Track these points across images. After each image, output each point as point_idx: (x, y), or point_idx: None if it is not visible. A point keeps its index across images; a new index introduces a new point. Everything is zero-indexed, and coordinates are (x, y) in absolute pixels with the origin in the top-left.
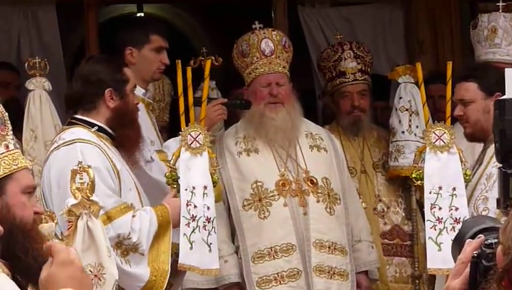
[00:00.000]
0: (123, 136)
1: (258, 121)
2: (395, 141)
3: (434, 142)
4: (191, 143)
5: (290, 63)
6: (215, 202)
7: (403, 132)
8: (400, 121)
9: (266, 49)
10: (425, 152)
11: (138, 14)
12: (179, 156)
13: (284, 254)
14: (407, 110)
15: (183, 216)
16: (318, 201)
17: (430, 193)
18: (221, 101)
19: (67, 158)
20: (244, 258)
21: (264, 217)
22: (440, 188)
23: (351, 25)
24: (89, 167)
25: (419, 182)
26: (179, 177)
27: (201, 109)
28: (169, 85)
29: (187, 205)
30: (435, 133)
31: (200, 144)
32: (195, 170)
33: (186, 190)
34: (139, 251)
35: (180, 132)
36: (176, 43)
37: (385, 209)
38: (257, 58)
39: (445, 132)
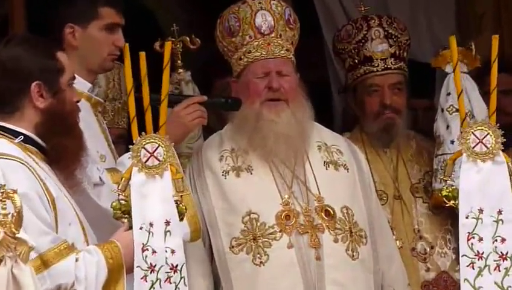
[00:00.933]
0: (58, 149)
1: (252, 127)
2: (442, 154)
3: (473, 148)
4: (147, 160)
5: (295, 45)
6: (191, 241)
7: (453, 142)
8: (447, 127)
9: (263, 26)
10: (461, 161)
11: None
12: (129, 178)
13: None
14: (457, 111)
15: (138, 266)
16: (336, 240)
17: (466, 217)
18: (198, 100)
19: None
20: None
21: (261, 262)
22: (481, 211)
23: None
24: (14, 191)
25: (452, 202)
26: (131, 209)
27: (160, 111)
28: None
29: (143, 251)
30: (475, 135)
31: (159, 160)
32: (152, 199)
33: (141, 228)
34: None
35: (130, 146)
36: (137, 19)
37: (428, 249)
38: (250, 37)
39: (488, 134)
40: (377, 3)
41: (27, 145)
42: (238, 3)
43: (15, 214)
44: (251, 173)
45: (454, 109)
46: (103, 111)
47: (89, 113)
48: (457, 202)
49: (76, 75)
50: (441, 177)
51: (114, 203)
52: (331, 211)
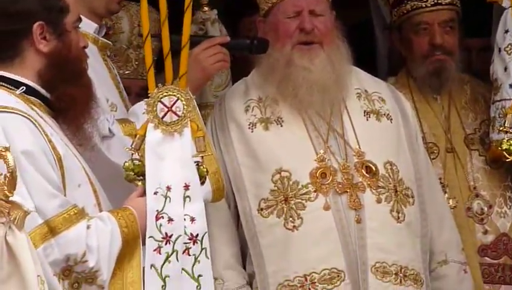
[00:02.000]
0: (65, 99)
1: (281, 73)
2: (500, 101)
3: None
4: (164, 115)
5: None
6: (213, 202)
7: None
8: (505, 69)
9: None
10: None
11: None
12: (144, 135)
13: (326, 286)
14: None
15: (151, 237)
16: (379, 201)
17: None
18: (220, 41)
19: None
20: None
21: (294, 227)
22: None
23: None
24: (7, 149)
25: None
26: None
27: (181, 58)
28: (156, 22)
29: (157, 219)
30: None
31: (178, 116)
32: (170, 160)
33: (155, 193)
34: (96, 283)
35: (145, 99)
36: None
37: (485, 209)
38: None
39: None
40: None
41: (29, 96)
42: None
43: (8, 174)
44: (281, 126)
45: None
46: (126, 60)
47: (96, 57)
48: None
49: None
50: (500, 128)
51: (127, 164)
52: (373, 168)
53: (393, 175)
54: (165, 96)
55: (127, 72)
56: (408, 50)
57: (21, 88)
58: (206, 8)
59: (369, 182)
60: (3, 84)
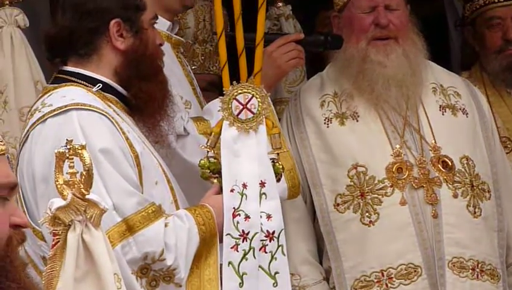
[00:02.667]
0: (142, 96)
1: (357, 69)
2: None
3: None
4: (239, 113)
5: None
6: (289, 199)
7: None
8: None
9: None
10: None
11: None
12: (219, 133)
13: (403, 281)
14: None
15: (228, 234)
16: (456, 195)
17: None
18: (294, 38)
19: (59, 135)
20: (339, 288)
21: (370, 222)
22: None
23: None
24: (83, 147)
25: None
26: (221, 168)
27: (256, 55)
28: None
29: (234, 216)
30: None
31: (253, 113)
32: (246, 157)
33: (232, 191)
34: (174, 281)
35: (220, 97)
36: None
37: None
38: None
39: None
40: None
41: (106, 94)
42: None
43: (84, 172)
44: (357, 120)
45: None
46: (192, 55)
47: (170, 55)
48: None
49: None
50: None
51: (202, 161)
52: (449, 162)
53: (470, 170)
54: (240, 93)
55: (193, 67)
56: (481, 45)
57: (98, 85)
58: (280, 4)
59: (445, 177)
60: (80, 81)
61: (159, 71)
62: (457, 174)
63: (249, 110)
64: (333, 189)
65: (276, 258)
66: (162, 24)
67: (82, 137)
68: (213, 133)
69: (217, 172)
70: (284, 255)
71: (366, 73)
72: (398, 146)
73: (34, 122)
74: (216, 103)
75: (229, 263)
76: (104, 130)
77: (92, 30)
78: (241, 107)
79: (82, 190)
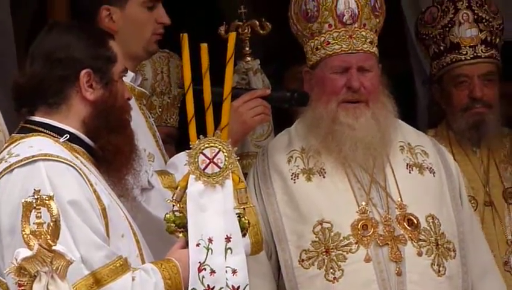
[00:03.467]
0: (109, 148)
1: (326, 129)
2: None
3: None
4: (205, 167)
5: (379, 32)
6: (252, 255)
7: None
8: None
9: (345, 14)
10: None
11: None
12: (185, 187)
13: None
14: None
15: (193, 288)
16: (420, 254)
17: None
18: (260, 93)
19: (26, 186)
20: None
21: (335, 278)
22: None
23: None
24: (50, 197)
25: None
26: (186, 222)
27: (223, 110)
28: (179, 68)
29: (199, 270)
30: None
31: (220, 168)
32: (212, 211)
33: (198, 245)
34: None
35: (187, 150)
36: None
37: None
38: (330, 26)
39: None
40: None
41: (73, 145)
42: None
43: (51, 223)
44: (324, 177)
45: None
46: (150, 107)
47: (134, 107)
48: None
49: None
50: None
51: (168, 215)
52: (415, 220)
53: (435, 228)
54: (207, 147)
55: (151, 119)
56: (448, 103)
57: (65, 136)
58: (248, 58)
59: (410, 235)
60: (48, 131)
61: (127, 125)
62: (423, 233)
63: (216, 164)
64: (298, 245)
65: None
66: (127, 76)
67: (50, 188)
68: (179, 187)
69: (183, 226)
70: None
71: (335, 134)
72: (364, 203)
73: (0, 173)
74: (181, 157)
75: None
76: (72, 182)
77: (62, 79)
78: (208, 161)
79: (49, 240)
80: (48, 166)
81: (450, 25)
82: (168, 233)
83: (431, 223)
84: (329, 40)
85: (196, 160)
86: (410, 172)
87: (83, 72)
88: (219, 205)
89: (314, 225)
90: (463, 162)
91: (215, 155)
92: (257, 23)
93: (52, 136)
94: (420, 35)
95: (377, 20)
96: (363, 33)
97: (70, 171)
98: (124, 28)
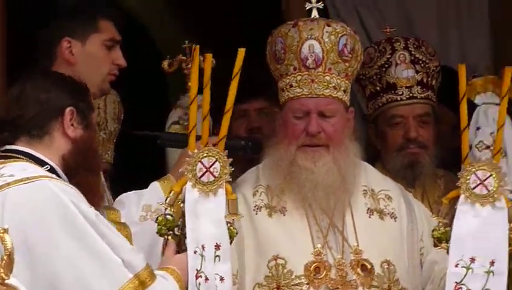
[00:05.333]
0: (84, 186)
1: (286, 170)
2: None
3: (473, 189)
4: (202, 175)
5: (354, 75)
6: None
7: None
8: None
9: (309, 58)
10: (458, 202)
11: None
12: (180, 192)
13: None
14: (488, 148)
15: None
16: None
17: (456, 265)
18: (213, 142)
19: (42, 200)
20: None
21: None
22: (472, 260)
23: (404, 9)
24: (5, 231)
25: (443, 244)
26: (177, 226)
27: (222, 123)
28: (116, 104)
29: (196, 277)
30: (476, 175)
31: (215, 177)
32: (205, 219)
33: (195, 252)
34: None
35: (187, 158)
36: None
37: None
38: (295, 69)
39: (491, 175)
40: (403, 24)
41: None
42: (289, 24)
43: (5, 257)
44: (284, 215)
45: (484, 146)
46: None
47: None
48: (449, 245)
49: None
50: (435, 217)
51: (160, 219)
52: (369, 266)
53: (390, 275)
54: (205, 157)
55: None
56: (383, 143)
57: (46, 166)
58: None
59: (362, 281)
60: (29, 160)
61: (99, 167)
62: (376, 279)
63: (212, 173)
64: (254, 277)
65: None
66: None
67: (70, 202)
68: (173, 191)
69: (172, 229)
70: None
71: (294, 176)
72: (319, 245)
73: None
74: (129, 195)
75: None
76: (82, 197)
77: (47, 113)
78: (205, 170)
79: (2, 274)
80: (56, 185)
81: (386, 66)
82: (159, 235)
83: (386, 269)
84: (293, 83)
85: (194, 168)
86: (370, 217)
87: (68, 109)
88: (211, 213)
89: (269, 259)
90: None
91: (212, 165)
92: (201, 58)
93: (35, 163)
94: (357, 76)
95: (347, 64)
96: (327, 78)
97: (74, 189)
98: (81, 62)
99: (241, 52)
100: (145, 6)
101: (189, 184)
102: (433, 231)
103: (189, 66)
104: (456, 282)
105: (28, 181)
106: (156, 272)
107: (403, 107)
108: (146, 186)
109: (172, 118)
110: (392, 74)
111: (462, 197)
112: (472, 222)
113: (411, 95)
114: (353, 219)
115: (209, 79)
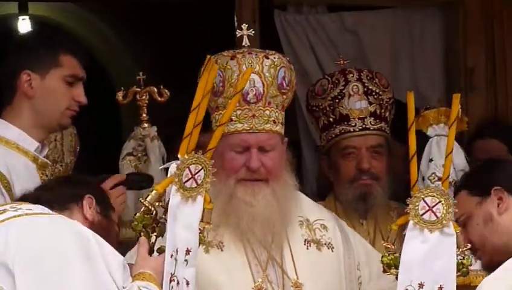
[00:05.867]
0: None
1: (224, 204)
2: None
3: (422, 215)
4: (187, 181)
5: (288, 105)
6: None
7: None
8: None
9: (250, 93)
10: (407, 227)
11: (21, 18)
12: (162, 193)
13: None
14: (440, 179)
15: None
16: None
17: None
18: (119, 179)
19: (60, 227)
20: None
21: None
22: (421, 285)
23: (357, 41)
24: None
25: (392, 270)
26: (155, 222)
27: (214, 134)
28: (73, 137)
29: (170, 281)
30: (425, 202)
31: (197, 184)
32: (181, 223)
33: (171, 256)
34: None
35: (175, 161)
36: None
37: None
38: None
39: (440, 201)
40: (356, 53)
41: None
42: (226, 55)
43: None
44: (222, 250)
45: (436, 178)
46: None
47: (34, 176)
48: (397, 271)
49: (24, 132)
50: (384, 243)
51: (138, 215)
52: None
53: None
54: (193, 163)
55: None
56: (336, 174)
57: None
58: (145, 125)
59: None
60: None
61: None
62: None
63: (195, 180)
64: None
65: None
66: (30, 144)
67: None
68: (154, 191)
69: (147, 227)
70: None
71: (233, 209)
72: (260, 280)
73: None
74: None
75: None
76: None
77: (69, 195)
78: (190, 176)
79: None
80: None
81: (339, 97)
82: (133, 231)
83: None
84: (232, 117)
85: (182, 173)
86: (307, 248)
87: (87, 195)
88: (187, 218)
89: None
90: None
91: (197, 172)
92: (155, 89)
93: None
94: (310, 107)
95: (284, 96)
96: (267, 112)
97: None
98: (40, 96)
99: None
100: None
101: (174, 188)
102: (382, 257)
103: (143, 97)
104: None
105: (45, 214)
106: (140, 283)
107: (355, 138)
108: None
109: (127, 149)
110: (345, 105)
111: (410, 223)
112: (420, 247)
113: (364, 126)
114: (291, 252)
115: (210, 89)
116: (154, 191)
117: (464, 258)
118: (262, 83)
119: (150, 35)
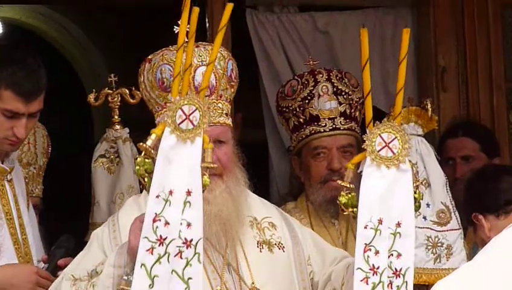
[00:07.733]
0: None
1: None
2: None
3: (378, 151)
4: (181, 122)
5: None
6: None
7: None
8: None
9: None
10: (363, 164)
11: None
12: (161, 136)
13: None
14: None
15: (145, 237)
16: None
17: (365, 227)
18: (64, 263)
19: None
20: None
21: None
22: (380, 221)
23: (329, 42)
24: None
25: (350, 210)
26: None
27: (205, 74)
28: (45, 138)
29: (154, 221)
30: (382, 138)
31: (194, 125)
32: (178, 165)
33: (158, 196)
34: None
35: (168, 103)
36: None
37: None
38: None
39: (396, 138)
40: (326, 53)
41: None
42: (171, 50)
43: None
44: None
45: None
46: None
47: None
48: (356, 210)
49: None
50: (340, 183)
51: (139, 159)
52: None
53: None
54: (186, 104)
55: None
56: (307, 175)
57: None
58: (117, 127)
59: None
60: None
61: None
62: None
63: (191, 121)
64: None
65: (191, 265)
66: None
67: None
68: (154, 134)
69: (150, 172)
70: (200, 263)
71: None
72: (218, 288)
73: None
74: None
75: (142, 264)
76: None
77: None
78: (184, 117)
79: None
80: None
81: (309, 98)
82: (137, 176)
83: None
84: None
85: (174, 114)
86: (260, 251)
87: None
88: (185, 160)
89: None
90: (322, 233)
91: (192, 113)
92: (127, 91)
93: None
94: (280, 108)
95: (232, 90)
96: (220, 105)
97: None
98: None
99: (229, 6)
100: (68, 39)
101: (167, 130)
102: (339, 197)
103: (115, 99)
104: (365, 244)
105: None
106: None
107: (325, 139)
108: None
109: (99, 151)
110: (315, 106)
111: (368, 159)
112: (378, 183)
113: (334, 126)
114: (245, 255)
115: (194, 31)
116: (153, 135)
117: (416, 192)
118: (215, 76)
119: (123, 38)
